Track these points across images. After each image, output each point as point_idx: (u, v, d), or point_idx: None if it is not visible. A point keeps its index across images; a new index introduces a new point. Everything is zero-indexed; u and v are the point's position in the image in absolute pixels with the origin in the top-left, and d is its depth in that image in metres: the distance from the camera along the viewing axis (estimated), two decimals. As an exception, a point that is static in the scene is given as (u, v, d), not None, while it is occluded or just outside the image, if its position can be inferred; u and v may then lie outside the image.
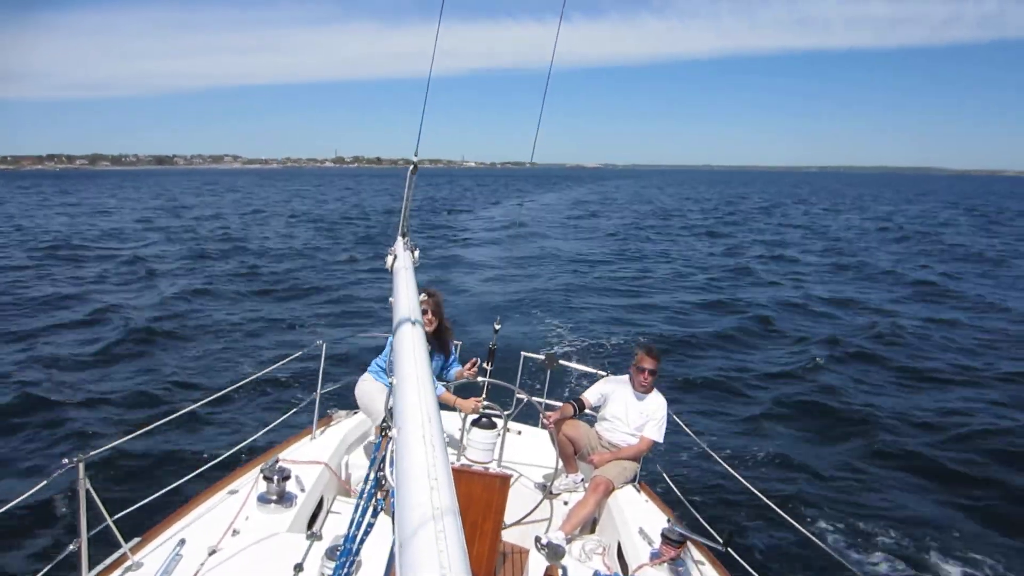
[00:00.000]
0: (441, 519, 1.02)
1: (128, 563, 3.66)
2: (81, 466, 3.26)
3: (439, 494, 1.09)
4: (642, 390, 5.24)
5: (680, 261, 27.04)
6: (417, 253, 3.53)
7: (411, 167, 3.61)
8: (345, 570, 2.03)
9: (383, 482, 1.66)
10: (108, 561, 3.65)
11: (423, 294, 5.18)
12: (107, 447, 4.01)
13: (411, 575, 0.93)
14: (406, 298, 2.51)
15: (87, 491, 3.32)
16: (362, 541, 1.82)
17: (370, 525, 1.77)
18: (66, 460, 3.22)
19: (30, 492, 3.29)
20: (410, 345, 1.91)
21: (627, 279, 22.51)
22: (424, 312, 5.16)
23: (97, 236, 35.10)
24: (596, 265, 25.73)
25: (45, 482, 3.28)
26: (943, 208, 67.52)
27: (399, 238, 3.58)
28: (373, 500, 1.76)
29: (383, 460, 1.71)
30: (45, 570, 3.32)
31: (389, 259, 3.38)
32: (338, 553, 2.06)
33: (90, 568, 3.38)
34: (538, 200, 68.15)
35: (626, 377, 5.39)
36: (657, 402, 5.25)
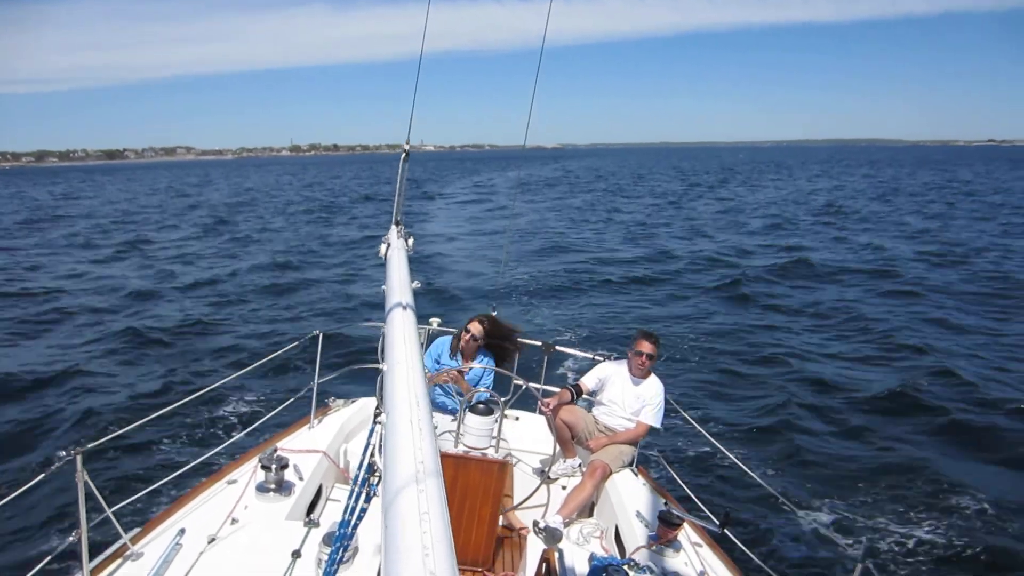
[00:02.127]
0: (426, 500, 1.03)
1: (128, 553, 3.68)
2: (79, 458, 3.26)
3: (424, 476, 1.10)
4: (639, 375, 5.25)
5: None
6: (411, 241, 3.54)
7: (403, 154, 3.61)
8: (339, 555, 2.05)
9: (375, 467, 1.67)
10: (109, 552, 3.67)
11: (477, 323, 5.56)
12: (105, 439, 4.02)
13: (395, 552, 0.94)
14: (398, 285, 2.52)
15: (85, 483, 3.32)
16: (355, 526, 1.84)
17: (363, 510, 1.79)
18: (63, 452, 3.23)
19: (28, 485, 3.31)
20: (400, 332, 1.91)
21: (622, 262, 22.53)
22: (469, 333, 5.53)
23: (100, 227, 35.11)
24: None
25: (43, 475, 3.29)
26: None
27: (393, 226, 3.58)
28: (366, 486, 1.77)
29: (376, 446, 1.72)
30: (46, 561, 3.34)
31: (383, 247, 3.38)
32: (334, 538, 2.07)
33: (91, 559, 3.39)
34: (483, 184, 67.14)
35: (624, 362, 5.40)
36: (655, 387, 5.26)
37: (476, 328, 5.55)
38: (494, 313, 6.47)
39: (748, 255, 23.56)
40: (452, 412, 5.25)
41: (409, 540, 0.95)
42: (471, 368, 5.59)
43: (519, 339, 6.22)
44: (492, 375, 5.62)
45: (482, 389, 5.35)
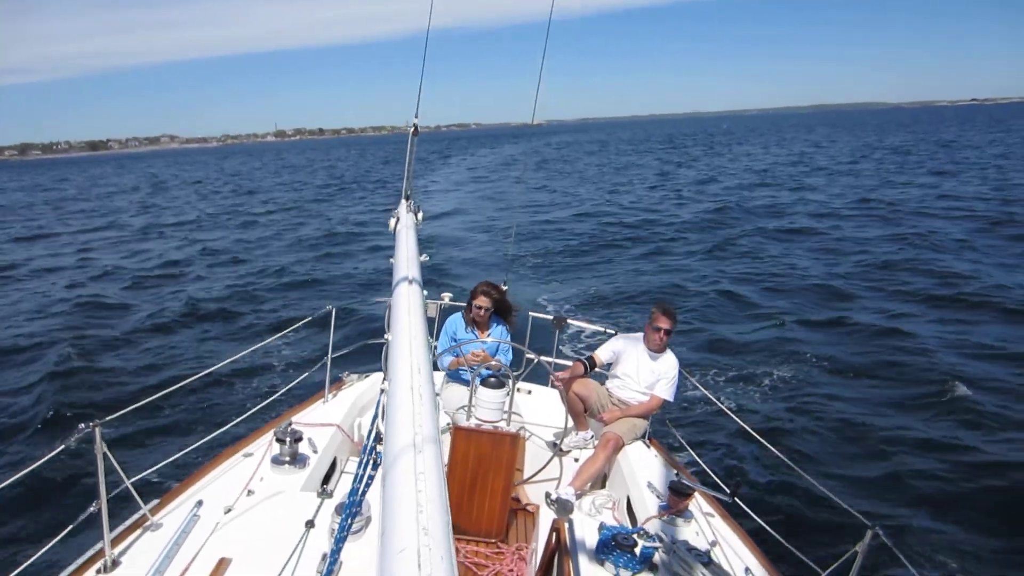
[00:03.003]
0: (423, 460, 1.05)
1: (148, 524, 3.75)
2: (98, 430, 3.32)
3: (422, 438, 1.11)
4: (656, 349, 5.25)
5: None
6: (421, 215, 3.54)
7: (412, 129, 3.61)
8: (349, 523, 2.08)
9: (382, 435, 1.69)
10: (128, 522, 3.75)
11: (487, 296, 5.58)
12: (123, 411, 4.08)
13: (391, 508, 0.97)
14: (406, 258, 2.53)
15: (104, 454, 3.39)
16: (363, 494, 1.87)
17: (371, 478, 1.81)
18: (83, 424, 3.29)
19: (48, 457, 3.37)
20: (405, 303, 1.93)
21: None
22: (479, 308, 5.58)
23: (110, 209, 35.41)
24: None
25: (63, 446, 3.36)
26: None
27: (403, 200, 3.59)
28: (373, 454, 1.79)
29: (381, 414, 1.75)
30: (67, 531, 3.42)
31: (392, 221, 3.39)
32: (344, 508, 2.11)
33: (111, 529, 3.47)
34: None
35: (639, 335, 5.39)
36: (669, 361, 5.25)
37: (484, 301, 5.59)
38: (505, 287, 6.50)
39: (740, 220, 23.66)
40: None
41: (404, 498, 0.97)
42: (488, 339, 5.65)
43: (532, 313, 6.28)
44: (510, 348, 5.67)
45: (497, 362, 5.40)
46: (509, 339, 5.74)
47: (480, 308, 5.59)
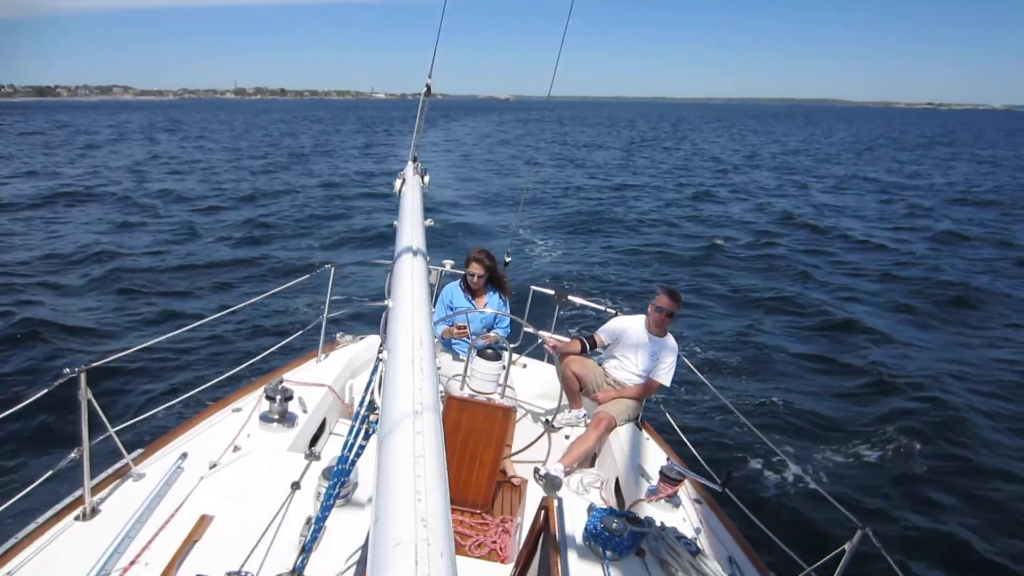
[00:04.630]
0: (422, 443, 0.97)
1: (130, 473, 3.70)
2: (83, 376, 3.25)
3: (423, 418, 1.03)
4: (657, 331, 5.18)
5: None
6: (427, 178, 3.44)
7: (425, 89, 3.49)
8: (337, 489, 2.01)
9: (376, 405, 1.62)
10: (110, 470, 3.69)
11: (479, 263, 5.55)
12: (110, 359, 4.00)
13: (386, 495, 0.89)
14: (411, 221, 2.44)
15: (89, 401, 3.32)
16: (353, 463, 1.80)
17: (361, 447, 1.75)
18: (67, 369, 3.21)
19: (30, 400, 3.30)
20: (408, 269, 1.84)
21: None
22: (472, 276, 5.57)
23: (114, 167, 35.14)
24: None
25: (46, 390, 3.28)
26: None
27: (409, 162, 3.48)
28: (365, 423, 1.73)
29: (377, 383, 1.67)
30: (47, 475, 3.36)
31: (398, 183, 3.29)
32: (332, 473, 2.04)
33: (92, 476, 3.41)
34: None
35: (641, 317, 5.32)
36: (669, 345, 5.20)
37: (478, 268, 5.57)
38: (508, 259, 6.41)
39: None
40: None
41: (401, 483, 0.89)
42: (486, 309, 5.61)
43: (534, 287, 6.22)
44: (508, 319, 5.61)
45: (496, 336, 5.35)
46: (508, 310, 5.69)
47: (474, 275, 5.56)
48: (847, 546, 3.11)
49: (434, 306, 5.84)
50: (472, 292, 5.67)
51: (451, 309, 5.62)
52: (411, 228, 2.31)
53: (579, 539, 3.42)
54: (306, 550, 2.24)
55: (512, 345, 5.36)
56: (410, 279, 1.74)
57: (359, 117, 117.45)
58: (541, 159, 41.24)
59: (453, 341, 5.61)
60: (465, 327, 5.44)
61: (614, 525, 3.37)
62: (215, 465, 3.85)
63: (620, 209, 23.75)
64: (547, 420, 5.37)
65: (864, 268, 16.22)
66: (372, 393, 1.67)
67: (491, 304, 5.66)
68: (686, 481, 4.23)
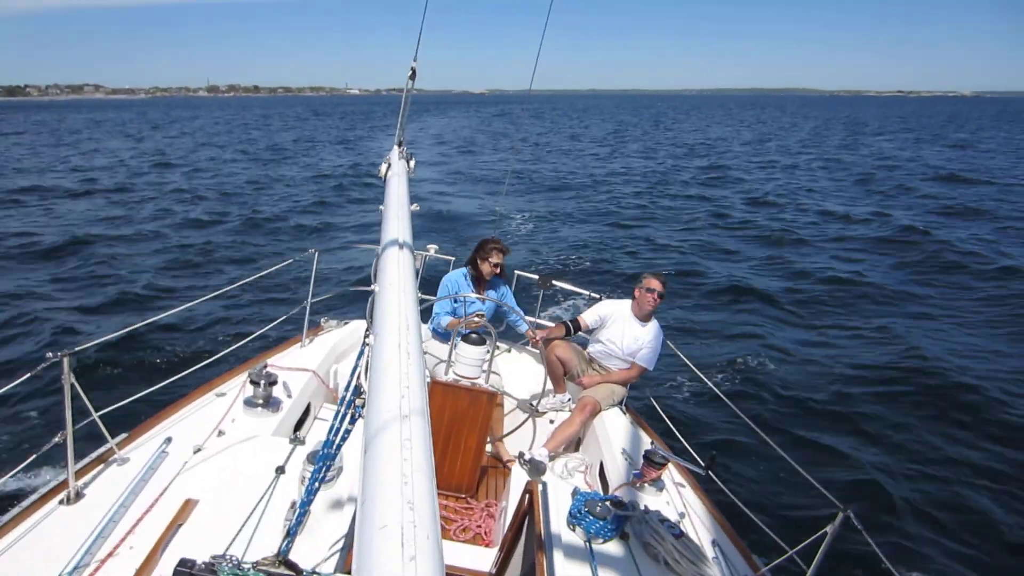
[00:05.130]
0: (409, 427, 0.98)
1: (114, 457, 3.69)
2: (66, 360, 3.22)
3: (409, 402, 1.03)
4: (643, 316, 5.20)
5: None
6: (413, 163, 3.42)
7: (410, 72, 3.46)
8: (322, 474, 2.02)
9: (362, 390, 1.62)
10: (94, 455, 3.68)
11: (500, 252, 5.49)
12: (94, 343, 3.98)
13: (372, 478, 0.89)
14: (396, 206, 2.43)
15: (72, 385, 3.29)
16: (339, 447, 1.80)
17: (347, 432, 1.75)
18: (50, 354, 3.18)
19: (13, 384, 3.27)
20: (395, 254, 1.84)
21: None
22: (496, 266, 5.49)
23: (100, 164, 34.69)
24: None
25: (29, 374, 3.25)
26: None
27: (395, 147, 3.47)
28: (351, 408, 1.73)
29: (363, 368, 1.67)
30: (30, 459, 3.34)
31: (383, 167, 3.27)
32: (317, 457, 2.04)
33: (76, 461, 3.39)
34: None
35: (626, 302, 5.34)
36: (654, 330, 5.22)
37: (498, 257, 5.49)
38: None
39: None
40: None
41: (388, 467, 0.90)
42: (500, 301, 5.55)
43: (518, 271, 6.21)
44: (509, 293, 5.64)
45: (480, 318, 5.32)
46: (513, 300, 5.68)
47: (498, 266, 5.50)
48: (829, 528, 3.15)
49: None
50: (478, 283, 5.56)
51: (455, 301, 5.49)
52: (397, 213, 2.30)
53: (563, 523, 3.45)
54: (291, 534, 2.24)
55: (498, 329, 5.36)
56: (396, 264, 1.73)
57: (343, 113, 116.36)
58: (524, 149, 41.21)
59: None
60: (483, 316, 5.33)
61: (598, 509, 3.40)
62: (199, 449, 3.85)
63: (603, 198, 23.79)
64: (532, 404, 5.39)
65: (847, 246, 16.35)
66: (358, 377, 1.67)
67: (497, 295, 5.62)
68: (670, 465, 4.27)
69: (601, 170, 32.31)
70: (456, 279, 5.60)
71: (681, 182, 28.37)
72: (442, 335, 5.51)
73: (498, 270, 5.52)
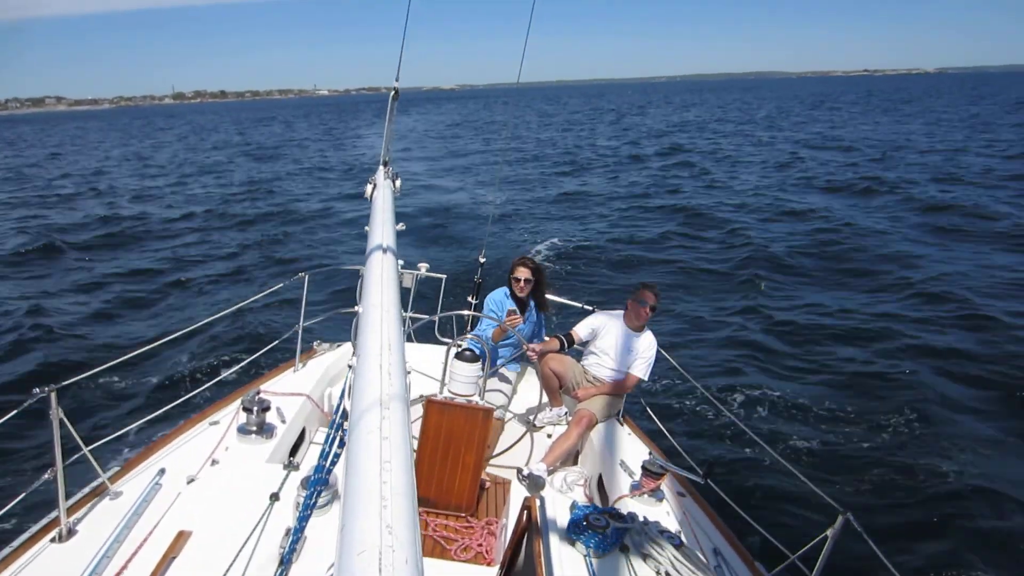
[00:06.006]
0: (389, 448, 0.96)
1: (107, 492, 3.65)
2: (53, 395, 3.19)
3: (390, 424, 1.02)
4: (636, 327, 5.19)
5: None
6: (399, 183, 3.42)
7: (392, 92, 3.47)
8: (314, 500, 1.99)
9: (348, 412, 1.60)
10: (86, 490, 3.64)
11: (525, 267, 5.48)
12: (81, 376, 3.93)
13: (351, 502, 0.88)
14: (381, 226, 2.42)
15: (61, 420, 3.26)
16: (329, 471, 1.78)
17: (336, 456, 1.73)
18: (37, 389, 3.15)
19: (0, 421, 3.23)
20: (378, 274, 1.83)
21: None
22: (518, 280, 5.47)
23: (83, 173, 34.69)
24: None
25: (15, 411, 3.22)
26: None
27: (380, 167, 3.46)
28: (340, 431, 1.71)
29: (348, 390, 1.66)
30: (20, 498, 3.30)
31: (368, 188, 3.27)
32: (309, 483, 2.02)
33: (67, 497, 3.35)
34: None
35: (619, 312, 5.34)
36: (648, 340, 5.21)
37: (524, 272, 5.49)
38: (483, 260, 6.39)
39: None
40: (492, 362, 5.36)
41: (366, 490, 0.88)
42: (521, 324, 5.52)
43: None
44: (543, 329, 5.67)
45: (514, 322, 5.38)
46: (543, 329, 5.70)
47: (520, 280, 5.47)
48: (830, 532, 3.14)
49: (408, 311, 5.79)
50: (518, 300, 5.55)
51: (497, 314, 5.50)
52: (382, 233, 2.30)
53: (562, 537, 3.43)
54: (285, 562, 2.21)
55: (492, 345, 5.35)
56: (379, 284, 1.72)
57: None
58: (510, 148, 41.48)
59: (498, 346, 5.57)
60: (515, 313, 5.38)
61: (597, 522, 3.38)
62: (193, 480, 3.81)
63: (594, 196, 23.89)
64: (528, 419, 5.37)
65: (830, 252, 16.40)
66: (345, 401, 1.66)
67: (531, 312, 5.62)
68: (668, 474, 4.25)
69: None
70: (498, 298, 5.63)
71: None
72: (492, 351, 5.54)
73: (526, 285, 5.50)
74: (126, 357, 4.39)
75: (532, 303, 5.65)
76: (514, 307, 5.50)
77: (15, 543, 3.19)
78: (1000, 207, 19.39)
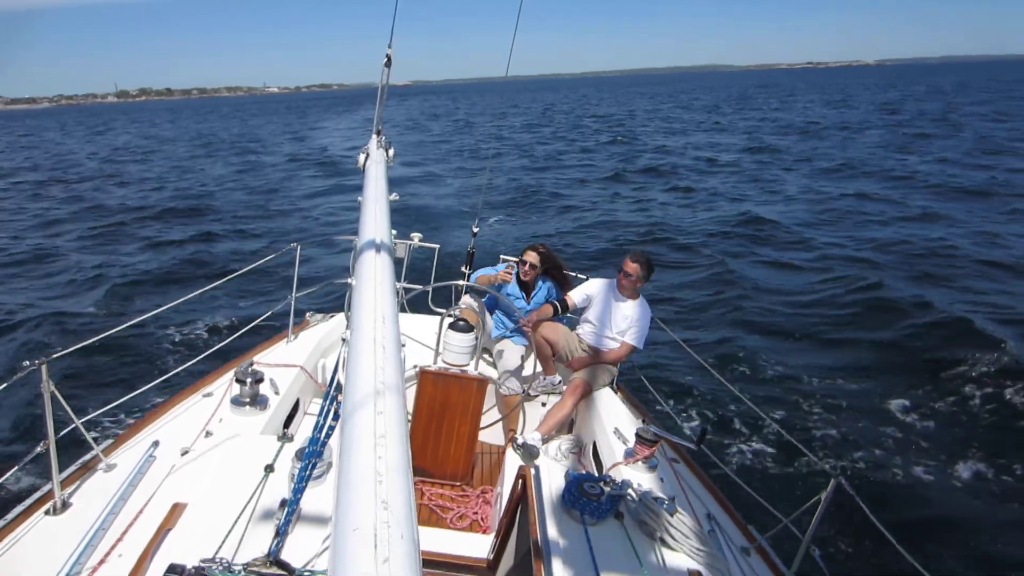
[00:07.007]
0: (384, 423, 0.94)
1: (100, 465, 3.64)
2: (44, 367, 3.16)
3: (385, 398, 1.00)
4: (627, 294, 5.17)
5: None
6: (392, 152, 3.37)
7: (384, 59, 3.40)
8: (309, 471, 1.98)
9: (342, 386, 1.58)
10: (79, 463, 3.62)
11: (534, 251, 5.48)
12: (73, 348, 3.89)
13: (346, 478, 0.86)
14: (374, 196, 2.38)
15: (52, 393, 3.23)
16: (323, 443, 1.77)
17: (331, 428, 1.72)
18: (27, 362, 3.12)
19: None
20: (372, 245, 1.80)
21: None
22: (524, 264, 5.48)
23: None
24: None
25: (5, 384, 3.19)
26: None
27: (373, 136, 3.41)
28: (335, 403, 1.70)
29: (342, 363, 1.64)
30: (12, 471, 3.28)
31: (361, 157, 3.22)
32: (304, 455, 2.01)
33: (60, 470, 3.34)
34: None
35: (612, 281, 5.30)
36: (641, 308, 5.18)
37: (532, 256, 5.47)
38: (476, 230, 6.35)
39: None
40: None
41: (362, 465, 0.87)
42: (534, 298, 5.56)
43: (503, 256, 6.16)
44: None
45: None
46: (549, 294, 5.66)
47: (526, 263, 5.47)
48: (822, 495, 3.16)
49: (401, 280, 5.79)
50: (523, 284, 5.57)
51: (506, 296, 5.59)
52: (375, 203, 2.26)
53: (557, 506, 3.44)
54: (281, 533, 2.21)
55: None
56: (373, 255, 1.69)
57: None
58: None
59: (508, 332, 5.62)
60: (511, 268, 5.50)
61: (591, 490, 3.39)
62: (187, 452, 3.80)
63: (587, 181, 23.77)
64: (523, 388, 5.37)
65: (816, 227, 16.42)
66: (339, 373, 1.64)
67: (541, 294, 5.61)
68: (662, 442, 4.26)
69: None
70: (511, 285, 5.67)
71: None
72: (511, 333, 5.64)
73: (530, 270, 5.49)
74: (117, 329, 4.36)
75: (543, 284, 5.64)
76: (512, 265, 5.59)
77: (9, 516, 3.18)
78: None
